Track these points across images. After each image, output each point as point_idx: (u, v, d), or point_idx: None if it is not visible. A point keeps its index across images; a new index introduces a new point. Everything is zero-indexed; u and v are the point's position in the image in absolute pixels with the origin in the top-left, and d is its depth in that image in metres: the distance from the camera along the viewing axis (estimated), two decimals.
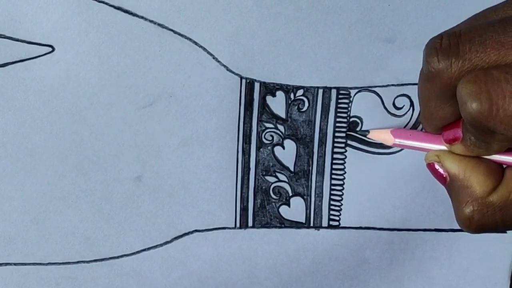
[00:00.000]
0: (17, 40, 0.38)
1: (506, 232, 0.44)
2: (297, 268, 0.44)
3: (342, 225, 0.43)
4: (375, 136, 0.41)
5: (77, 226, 0.41)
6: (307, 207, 0.43)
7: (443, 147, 0.36)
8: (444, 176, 0.36)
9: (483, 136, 0.33)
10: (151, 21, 0.39)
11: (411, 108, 0.42)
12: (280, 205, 0.43)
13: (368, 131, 0.41)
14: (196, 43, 0.40)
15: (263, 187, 0.42)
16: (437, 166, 0.37)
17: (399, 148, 0.42)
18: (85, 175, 0.41)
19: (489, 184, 0.35)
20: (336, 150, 0.42)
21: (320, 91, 0.41)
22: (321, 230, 0.43)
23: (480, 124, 0.32)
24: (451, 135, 0.35)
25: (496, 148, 0.34)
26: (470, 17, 0.35)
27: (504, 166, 0.36)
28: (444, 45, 0.33)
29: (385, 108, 0.42)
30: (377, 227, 0.44)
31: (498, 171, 0.35)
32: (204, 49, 0.40)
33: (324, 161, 0.42)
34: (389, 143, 0.40)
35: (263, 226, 0.43)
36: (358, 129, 0.42)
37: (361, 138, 0.42)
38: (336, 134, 0.42)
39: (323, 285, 0.44)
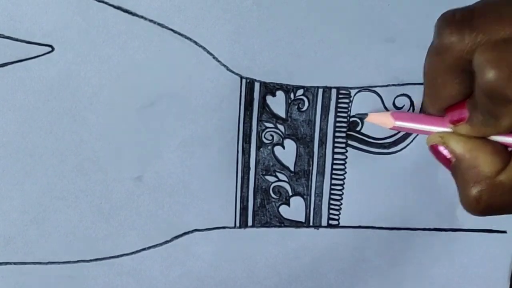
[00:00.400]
0: (17, 40, 0.38)
1: (506, 232, 0.44)
2: (296, 267, 0.44)
3: (341, 224, 0.44)
4: (374, 119, 0.40)
5: (77, 226, 0.41)
6: (307, 207, 0.43)
7: (446, 129, 0.36)
8: (449, 157, 0.35)
9: (496, 108, 0.32)
10: (151, 21, 0.39)
11: (411, 108, 0.42)
12: (280, 204, 0.43)
13: (366, 114, 0.41)
14: (196, 43, 0.40)
15: (263, 187, 0.43)
16: (441, 148, 0.36)
17: (399, 148, 0.42)
18: (85, 175, 0.41)
19: (497, 163, 0.34)
20: (336, 150, 0.42)
21: (320, 90, 0.41)
22: (320, 229, 0.43)
23: (497, 92, 0.31)
24: (456, 115, 0.35)
25: (507, 124, 0.33)
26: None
27: (510, 149, 0.35)
28: (458, 17, 0.32)
29: (385, 108, 0.42)
30: (377, 226, 0.44)
31: (505, 152, 0.34)
32: (204, 48, 0.40)
33: (324, 161, 0.42)
34: (388, 126, 0.39)
35: (262, 226, 0.43)
36: (358, 129, 0.42)
37: (361, 138, 0.42)
38: (337, 134, 0.42)
39: (322, 284, 0.44)
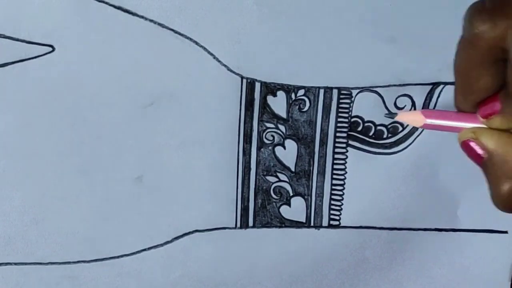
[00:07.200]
0: (17, 40, 0.38)
1: (507, 232, 0.44)
2: (297, 267, 0.44)
3: (342, 224, 0.43)
4: (404, 118, 0.39)
5: (77, 226, 0.41)
6: (308, 207, 0.43)
7: (478, 125, 0.35)
8: (480, 154, 0.35)
9: None
10: (151, 21, 0.39)
11: (413, 108, 0.42)
12: (281, 205, 0.43)
13: (396, 113, 0.40)
14: (196, 43, 0.40)
15: (264, 187, 0.42)
16: (472, 144, 0.35)
17: (400, 148, 0.42)
18: (85, 175, 0.41)
19: None
20: (337, 150, 0.42)
21: (322, 91, 0.41)
22: (321, 229, 0.43)
23: None
24: (488, 109, 0.34)
25: None
26: None
27: None
28: (488, 5, 0.32)
29: (386, 108, 0.42)
30: (377, 226, 0.44)
31: None
32: (205, 49, 0.40)
33: (325, 161, 0.42)
34: (419, 125, 0.38)
35: (263, 226, 0.43)
36: (359, 129, 0.42)
37: (362, 138, 0.42)
38: (337, 134, 0.42)
39: (323, 284, 0.44)
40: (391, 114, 0.39)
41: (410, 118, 0.38)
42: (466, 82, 0.34)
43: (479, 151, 0.35)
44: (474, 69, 0.33)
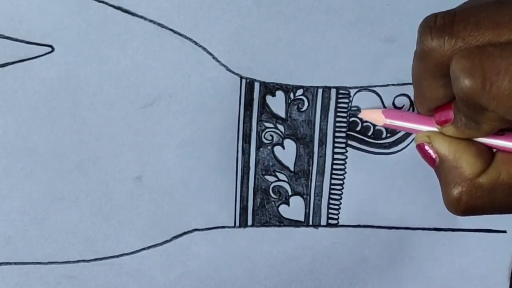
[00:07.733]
0: (17, 40, 0.38)
1: (506, 232, 0.44)
2: (296, 266, 0.44)
3: (341, 223, 0.44)
4: (366, 115, 0.41)
5: (77, 226, 0.41)
6: (306, 206, 0.43)
7: (434, 129, 0.36)
8: (434, 157, 0.36)
9: (474, 115, 0.33)
10: (151, 21, 0.39)
11: (411, 107, 0.42)
12: (280, 204, 0.43)
13: (359, 110, 0.41)
14: (196, 43, 0.40)
15: (263, 187, 0.43)
16: (427, 147, 0.36)
17: (399, 148, 0.42)
18: (85, 175, 0.41)
19: (479, 165, 0.34)
20: (336, 150, 0.42)
21: (320, 90, 0.41)
22: (320, 228, 0.43)
23: (472, 100, 0.31)
24: (442, 116, 0.35)
25: (487, 129, 0.34)
26: (467, 0, 0.34)
27: (494, 150, 0.35)
28: (438, 23, 0.32)
29: (384, 107, 0.42)
30: (376, 225, 0.44)
31: (488, 154, 0.35)
32: (204, 48, 0.40)
33: (324, 161, 0.42)
34: (379, 124, 0.40)
35: (262, 225, 0.43)
36: (358, 129, 0.42)
37: (361, 138, 0.42)
38: (336, 134, 0.42)
39: (322, 283, 0.44)
40: (355, 111, 0.40)
41: (372, 116, 0.40)
42: (419, 91, 0.35)
43: (433, 155, 0.36)
44: (425, 81, 0.34)
